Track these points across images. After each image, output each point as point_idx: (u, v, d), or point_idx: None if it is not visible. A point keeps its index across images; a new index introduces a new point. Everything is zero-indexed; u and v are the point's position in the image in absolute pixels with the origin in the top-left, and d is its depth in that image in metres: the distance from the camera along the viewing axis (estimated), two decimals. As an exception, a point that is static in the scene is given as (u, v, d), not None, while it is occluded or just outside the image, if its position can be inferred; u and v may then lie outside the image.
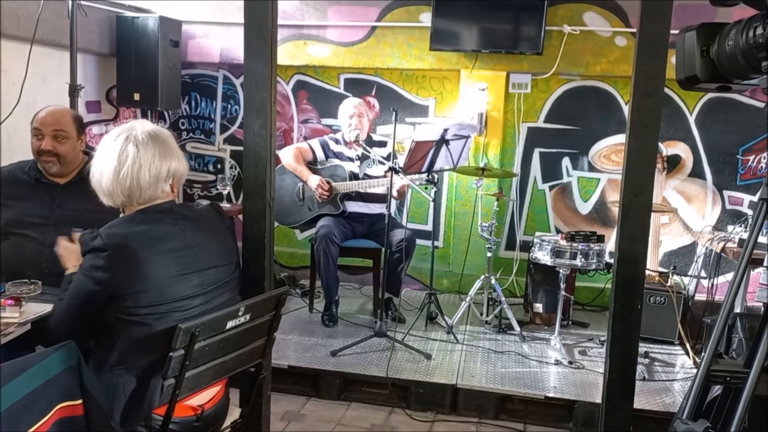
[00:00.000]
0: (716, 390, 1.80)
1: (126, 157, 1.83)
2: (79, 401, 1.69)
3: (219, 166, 5.28)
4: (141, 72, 4.48)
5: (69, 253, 2.06)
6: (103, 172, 1.85)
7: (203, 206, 2.08)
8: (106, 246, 1.74)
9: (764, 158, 4.54)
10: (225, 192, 4.47)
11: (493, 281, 4.09)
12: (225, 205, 4.40)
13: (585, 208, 4.87)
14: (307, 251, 4.30)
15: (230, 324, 1.85)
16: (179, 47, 4.72)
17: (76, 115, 2.65)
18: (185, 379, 1.75)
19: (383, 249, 3.94)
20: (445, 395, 3.35)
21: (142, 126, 1.90)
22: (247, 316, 1.91)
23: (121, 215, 1.93)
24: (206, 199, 4.60)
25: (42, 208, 2.50)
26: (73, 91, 3.69)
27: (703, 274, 4.49)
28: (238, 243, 2.14)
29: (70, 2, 3.62)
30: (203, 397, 1.94)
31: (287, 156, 4.23)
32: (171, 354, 1.69)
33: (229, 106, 5.20)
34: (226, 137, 5.25)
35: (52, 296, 2.03)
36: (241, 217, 2.46)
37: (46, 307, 1.98)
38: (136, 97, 4.50)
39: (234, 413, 2.17)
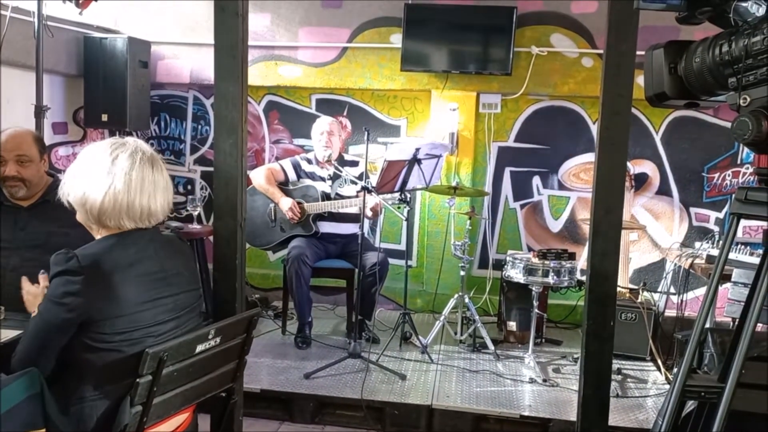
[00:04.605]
0: (690, 405, 1.81)
1: (141, 178, 1.78)
2: (42, 431, 1.63)
3: (189, 187, 5.22)
4: (109, 93, 4.42)
5: (34, 297, 1.97)
6: (115, 191, 1.75)
7: (167, 232, 2.04)
8: (82, 269, 1.66)
9: (728, 176, 4.65)
10: (195, 213, 4.40)
11: (466, 300, 4.09)
12: (195, 226, 4.33)
13: (556, 226, 4.92)
14: (280, 272, 4.25)
15: (200, 348, 1.80)
16: (148, 68, 4.67)
17: (36, 136, 2.59)
18: (153, 405, 1.69)
19: (356, 269, 3.91)
20: (420, 416, 3.31)
21: (142, 145, 1.84)
22: (218, 339, 1.86)
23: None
24: (176, 220, 4.53)
25: (5, 232, 2.42)
26: (39, 112, 3.63)
27: (672, 290, 4.55)
28: (208, 265, 2.10)
29: (36, 23, 3.57)
30: (170, 425, 1.87)
31: (259, 177, 4.19)
32: (138, 380, 1.63)
33: (200, 126, 5.16)
34: (196, 158, 5.19)
35: (15, 321, 1.96)
36: (212, 238, 2.42)
37: (9, 333, 1.90)
38: (104, 117, 4.43)
39: (205, 440, 2.11)
